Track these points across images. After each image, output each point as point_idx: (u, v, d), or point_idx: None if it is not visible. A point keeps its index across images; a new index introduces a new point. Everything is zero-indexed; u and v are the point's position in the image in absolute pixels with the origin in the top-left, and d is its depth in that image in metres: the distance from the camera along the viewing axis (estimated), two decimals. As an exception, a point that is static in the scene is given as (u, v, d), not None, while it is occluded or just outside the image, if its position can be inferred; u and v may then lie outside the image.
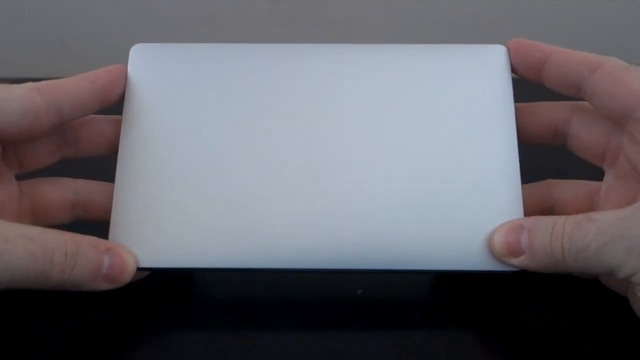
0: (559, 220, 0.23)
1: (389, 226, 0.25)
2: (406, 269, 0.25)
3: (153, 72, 0.28)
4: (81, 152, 0.28)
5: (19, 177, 0.27)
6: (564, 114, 0.28)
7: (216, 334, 0.26)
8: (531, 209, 0.26)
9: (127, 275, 0.24)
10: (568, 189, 0.28)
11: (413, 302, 0.28)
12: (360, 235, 0.25)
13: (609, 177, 0.27)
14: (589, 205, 0.27)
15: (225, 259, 0.25)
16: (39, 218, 0.26)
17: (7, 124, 0.24)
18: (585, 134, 0.27)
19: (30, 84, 0.25)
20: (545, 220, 0.24)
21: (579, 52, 0.26)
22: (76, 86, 0.25)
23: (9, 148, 0.26)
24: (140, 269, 0.25)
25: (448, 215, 0.25)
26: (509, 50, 0.28)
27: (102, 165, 0.27)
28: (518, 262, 0.24)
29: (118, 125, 0.27)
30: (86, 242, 0.23)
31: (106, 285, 0.24)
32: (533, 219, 0.24)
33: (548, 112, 0.28)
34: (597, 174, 0.28)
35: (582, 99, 0.26)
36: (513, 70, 0.27)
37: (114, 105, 0.27)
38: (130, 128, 0.27)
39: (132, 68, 0.28)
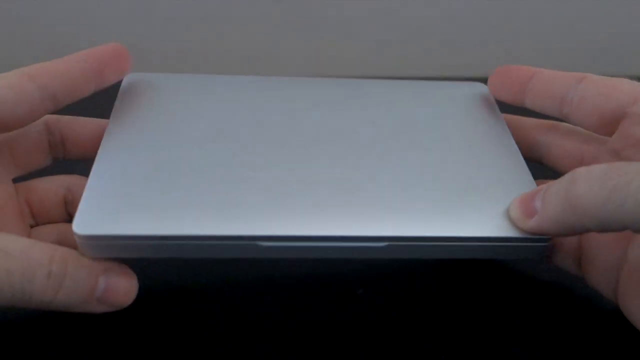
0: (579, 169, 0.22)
1: (396, 192, 0.24)
2: (415, 235, 0.23)
3: (143, 95, 0.28)
4: (69, 154, 0.28)
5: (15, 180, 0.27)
6: (540, 131, 0.29)
7: (215, 334, 0.26)
8: None
9: (128, 298, 0.22)
10: None
11: (413, 302, 0.28)
12: (361, 201, 0.24)
13: None
14: None
15: (200, 225, 0.22)
16: (38, 217, 0.26)
17: (2, 114, 0.23)
18: (561, 144, 0.28)
19: (19, 70, 0.23)
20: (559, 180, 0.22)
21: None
22: (67, 67, 0.24)
23: (4, 149, 0.26)
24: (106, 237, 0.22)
25: (460, 193, 0.25)
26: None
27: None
28: (532, 222, 0.23)
29: (104, 126, 0.26)
30: (78, 262, 0.21)
31: (102, 308, 0.22)
32: (545, 184, 0.23)
33: (526, 126, 0.29)
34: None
35: (562, 120, 0.27)
36: (496, 91, 0.29)
37: (112, 85, 0.26)
38: (114, 128, 0.26)
39: (122, 92, 0.28)
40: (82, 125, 0.28)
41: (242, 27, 0.55)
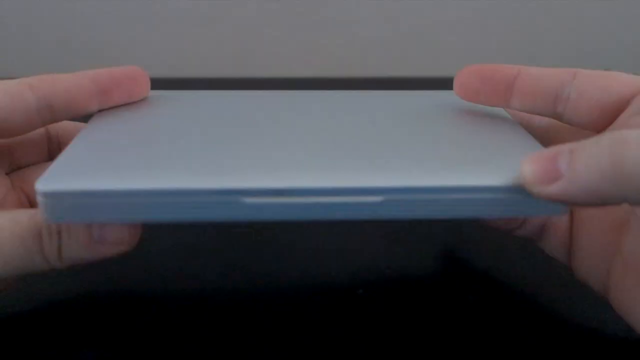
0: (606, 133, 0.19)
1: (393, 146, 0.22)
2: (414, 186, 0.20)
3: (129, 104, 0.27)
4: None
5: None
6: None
7: (215, 335, 0.26)
8: None
9: (128, 232, 0.22)
10: None
11: (413, 302, 0.28)
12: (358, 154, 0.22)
13: None
14: None
15: (174, 178, 0.20)
16: (35, 205, 0.27)
17: None
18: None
19: (23, 80, 0.24)
20: (592, 138, 0.19)
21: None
22: (74, 84, 0.24)
23: (4, 148, 0.26)
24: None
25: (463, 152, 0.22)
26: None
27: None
28: (556, 188, 0.19)
29: None
30: None
31: (110, 249, 0.22)
32: (571, 144, 0.20)
33: None
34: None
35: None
36: (472, 95, 0.27)
37: (118, 105, 0.27)
38: (96, 117, 0.25)
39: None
40: (79, 129, 0.28)
41: (242, 27, 0.55)
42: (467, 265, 0.30)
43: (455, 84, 0.26)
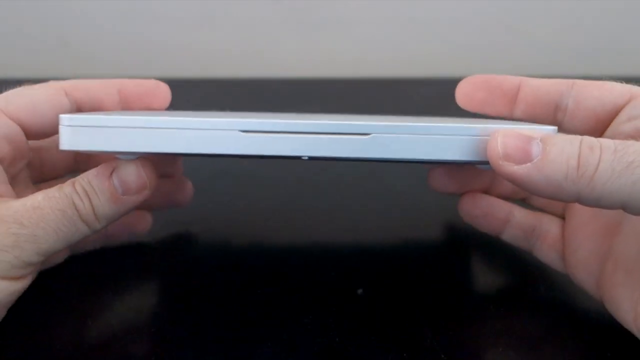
0: (588, 138, 0.20)
1: None
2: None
3: None
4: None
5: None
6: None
7: (214, 335, 0.26)
8: None
9: (143, 181, 0.23)
10: None
11: (413, 301, 0.28)
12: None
13: None
14: None
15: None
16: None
17: (39, 126, 0.25)
18: None
19: (56, 84, 0.25)
20: (563, 135, 0.21)
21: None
22: (103, 92, 0.26)
23: (36, 158, 0.27)
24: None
25: None
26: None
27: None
28: (519, 169, 0.20)
29: None
30: (87, 177, 0.23)
31: (137, 198, 0.24)
32: (544, 134, 0.21)
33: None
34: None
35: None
36: (478, 106, 0.27)
37: None
38: None
39: None
40: None
41: (242, 27, 0.55)
42: (467, 266, 0.30)
43: (459, 94, 0.27)
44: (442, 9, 0.56)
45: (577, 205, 0.27)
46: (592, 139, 0.20)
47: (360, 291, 0.28)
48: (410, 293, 0.28)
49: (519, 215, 0.28)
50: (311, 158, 0.22)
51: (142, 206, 0.29)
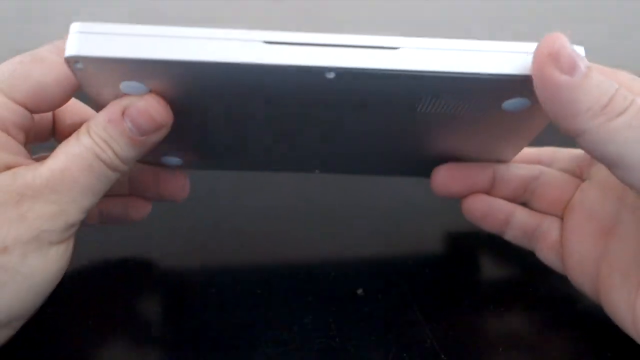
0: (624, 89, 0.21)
1: None
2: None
3: None
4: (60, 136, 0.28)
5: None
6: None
7: (214, 335, 0.26)
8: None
9: (160, 114, 0.22)
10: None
11: (413, 302, 0.28)
12: None
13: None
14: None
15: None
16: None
17: (46, 108, 0.24)
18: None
19: (54, 50, 0.24)
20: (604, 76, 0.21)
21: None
22: None
23: (30, 131, 0.25)
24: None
25: None
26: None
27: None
28: (559, 76, 0.20)
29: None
30: (102, 123, 0.22)
31: (153, 137, 0.23)
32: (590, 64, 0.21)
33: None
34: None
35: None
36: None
37: None
38: None
39: None
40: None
41: (242, 27, 0.55)
42: (467, 266, 0.30)
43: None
44: (443, 10, 0.56)
45: (574, 207, 0.27)
46: (628, 92, 0.20)
47: (360, 291, 0.28)
48: (410, 293, 0.28)
49: (520, 215, 0.28)
50: (337, 74, 0.20)
51: (139, 193, 0.29)
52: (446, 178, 0.29)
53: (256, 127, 0.25)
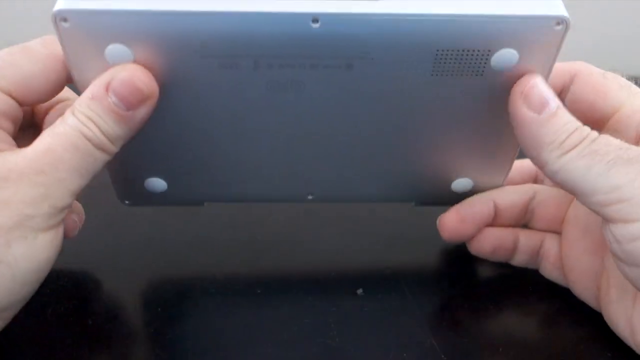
0: (586, 127, 0.22)
1: None
2: None
3: None
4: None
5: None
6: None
7: (214, 335, 0.26)
8: None
9: (141, 92, 0.22)
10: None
11: (413, 302, 0.28)
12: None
13: None
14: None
15: None
16: None
17: (32, 99, 0.24)
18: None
19: (56, 50, 0.23)
20: (574, 117, 0.23)
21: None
22: None
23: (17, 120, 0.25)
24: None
25: None
26: None
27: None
28: (526, 113, 0.22)
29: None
30: (86, 101, 0.21)
31: (141, 111, 0.22)
32: (560, 105, 0.23)
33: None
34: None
35: None
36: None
37: None
38: None
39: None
40: None
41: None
42: (467, 266, 0.30)
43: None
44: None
45: (569, 223, 0.27)
46: (587, 129, 0.22)
47: (360, 291, 0.28)
48: (410, 293, 0.28)
49: (524, 240, 0.28)
50: (322, 23, 0.20)
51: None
52: (455, 223, 0.28)
53: (249, 128, 0.25)
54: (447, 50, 0.22)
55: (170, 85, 0.23)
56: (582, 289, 0.27)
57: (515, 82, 0.23)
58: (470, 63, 0.22)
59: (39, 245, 0.21)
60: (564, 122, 0.22)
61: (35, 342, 0.25)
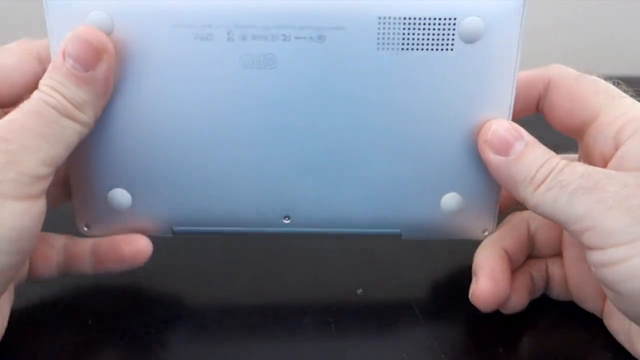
0: (556, 157, 0.23)
1: None
2: None
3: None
4: None
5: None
6: None
7: (213, 337, 0.26)
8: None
9: (93, 46, 0.22)
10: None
11: (413, 302, 0.27)
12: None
13: None
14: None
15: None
16: None
17: (7, 94, 0.24)
18: None
19: (30, 47, 0.25)
20: (545, 149, 0.23)
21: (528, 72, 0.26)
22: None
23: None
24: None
25: None
26: None
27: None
28: (493, 158, 0.23)
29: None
30: (47, 73, 0.22)
31: (101, 71, 0.22)
32: (533, 140, 0.23)
33: None
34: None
35: None
36: None
37: None
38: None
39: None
40: None
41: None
42: (467, 266, 0.30)
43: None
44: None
45: (567, 243, 0.26)
46: (556, 159, 0.22)
47: (360, 291, 0.28)
48: (410, 293, 0.28)
49: (534, 272, 0.27)
50: None
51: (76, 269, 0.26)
52: (491, 288, 0.25)
53: (221, 116, 0.24)
54: (414, 19, 0.23)
55: (145, 63, 0.23)
56: (590, 304, 0.26)
57: (485, 59, 0.23)
58: (437, 35, 0.23)
59: (7, 212, 0.20)
60: (534, 157, 0.23)
61: (35, 342, 0.25)
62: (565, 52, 0.57)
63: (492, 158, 0.23)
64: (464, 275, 0.29)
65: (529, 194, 0.23)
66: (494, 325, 0.26)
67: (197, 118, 0.24)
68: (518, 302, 0.26)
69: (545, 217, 0.23)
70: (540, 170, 0.22)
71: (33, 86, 0.23)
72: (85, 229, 0.26)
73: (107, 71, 0.22)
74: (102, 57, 0.22)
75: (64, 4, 0.22)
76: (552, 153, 0.23)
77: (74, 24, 0.22)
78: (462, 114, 0.24)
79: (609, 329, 0.25)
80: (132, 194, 0.26)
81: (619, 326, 0.25)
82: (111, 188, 0.25)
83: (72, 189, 0.26)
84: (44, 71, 0.23)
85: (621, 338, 0.25)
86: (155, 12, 0.23)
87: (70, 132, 0.22)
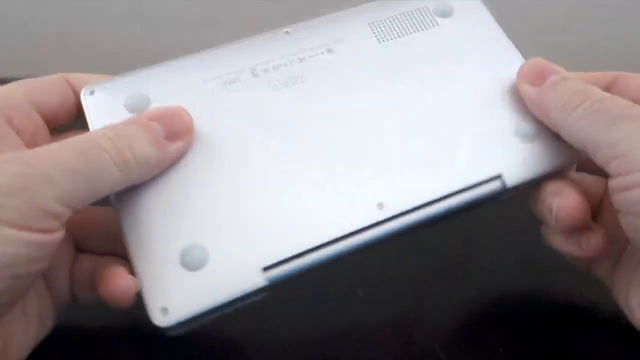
0: (595, 87, 0.23)
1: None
2: None
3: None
4: None
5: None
6: None
7: (213, 335, 0.26)
8: None
9: (184, 112, 0.23)
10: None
11: (413, 302, 0.28)
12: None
13: None
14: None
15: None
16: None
17: (54, 112, 0.24)
18: None
19: (63, 79, 0.25)
20: (585, 82, 0.24)
21: None
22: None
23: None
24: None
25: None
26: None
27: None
28: (528, 89, 0.24)
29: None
30: (122, 122, 0.22)
31: (177, 147, 0.22)
32: (572, 75, 0.24)
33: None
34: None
35: None
36: None
37: None
38: None
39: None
40: None
41: (243, 27, 0.55)
42: (467, 266, 0.30)
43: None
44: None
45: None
46: (597, 89, 0.23)
47: (360, 291, 0.28)
48: (409, 293, 0.28)
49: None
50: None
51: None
52: (578, 198, 0.23)
53: (275, 139, 0.24)
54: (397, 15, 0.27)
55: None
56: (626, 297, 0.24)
57: (468, 24, 0.27)
58: (419, 19, 0.27)
59: (2, 237, 0.18)
60: (570, 85, 0.23)
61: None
62: (566, 52, 0.57)
63: (525, 87, 0.24)
64: (465, 275, 0.29)
65: (562, 119, 0.23)
66: (494, 325, 0.26)
67: (254, 152, 0.24)
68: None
69: (578, 144, 0.23)
70: (576, 96, 0.23)
71: (74, 111, 0.25)
72: (164, 320, 0.21)
73: (179, 151, 0.22)
74: (184, 137, 0.23)
75: (100, 97, 0.24)
76: (592, 85, 0.23)
77: (113, 109, 0.24)
78: (483, 69, 0.26)
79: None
80: (209, 247, 0.22)
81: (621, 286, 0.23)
82: (183, 246, 0.22)
83: (134, 266, 0.21)
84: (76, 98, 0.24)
85: (621, 301, 0.23)
86: (182, 74, 0.25)
87: (109, 179, 0.20)
